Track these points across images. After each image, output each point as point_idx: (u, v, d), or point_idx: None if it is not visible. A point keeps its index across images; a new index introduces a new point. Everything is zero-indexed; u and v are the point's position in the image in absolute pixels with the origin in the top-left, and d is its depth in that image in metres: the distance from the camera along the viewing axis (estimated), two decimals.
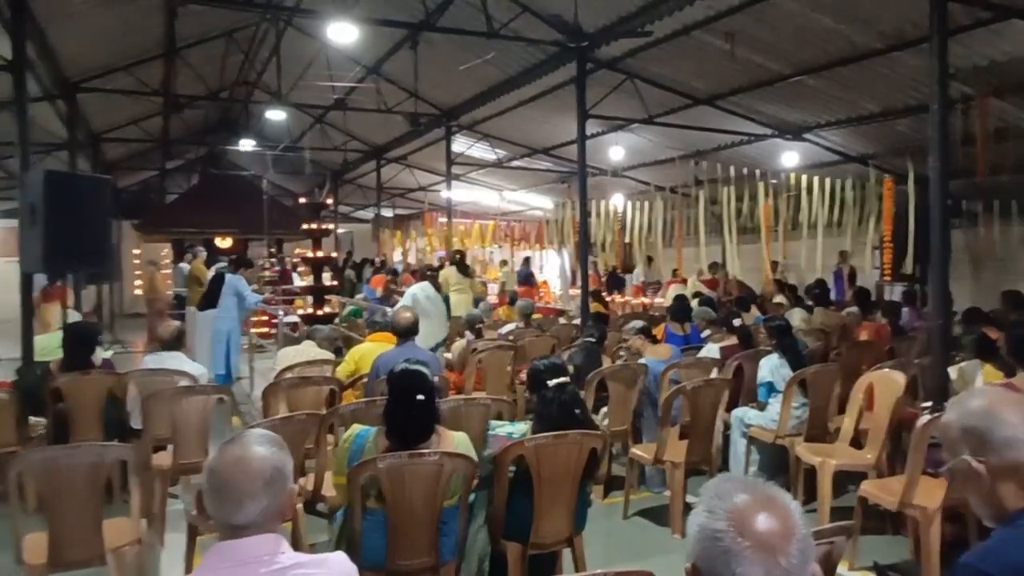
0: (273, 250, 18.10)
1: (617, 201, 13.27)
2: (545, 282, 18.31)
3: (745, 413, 5.28)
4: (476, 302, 10.45)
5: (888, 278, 10.47)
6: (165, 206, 17.99)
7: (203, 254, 12.83)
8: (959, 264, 9.43)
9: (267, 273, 12.77)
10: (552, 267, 19.32)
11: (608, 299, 13.10)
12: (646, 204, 11.85)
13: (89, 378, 4.73)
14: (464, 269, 10.25)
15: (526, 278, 15.07)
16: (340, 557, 1.63)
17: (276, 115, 11.21)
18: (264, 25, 10.56)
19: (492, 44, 8.26)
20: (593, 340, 5.57)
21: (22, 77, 6.21)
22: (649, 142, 11.46)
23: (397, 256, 18.75)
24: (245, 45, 11.52)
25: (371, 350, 5.17)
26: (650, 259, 13.88)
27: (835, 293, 10.80)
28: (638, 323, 6.30)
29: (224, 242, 19.03)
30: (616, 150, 11.12)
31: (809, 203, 9.59)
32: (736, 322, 5.89)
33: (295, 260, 14.35)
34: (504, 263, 18.30)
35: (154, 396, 4.22)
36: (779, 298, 10.33)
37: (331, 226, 8.27)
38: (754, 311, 8.71)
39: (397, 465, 2.70)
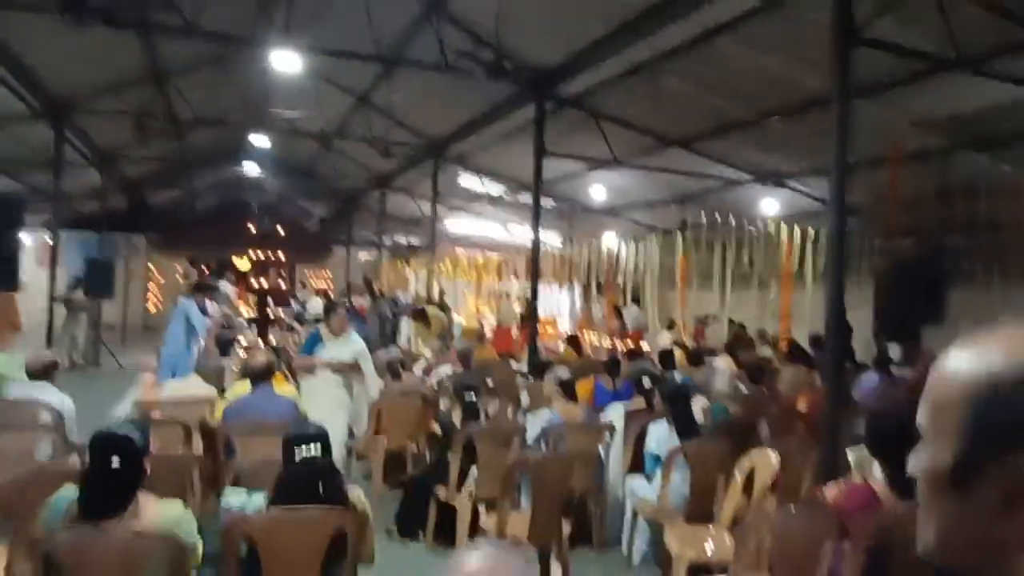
0: (283, 272, 18.36)
1: (610, 241, 12.85)
2: (553, 319, 17.81)
3: (638, 484, 4.84)
4: (444, 338, 10.18)
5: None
6: (176, 224, 18.53)
7: (193, 274, 13.00)
8: (958, 329, 8.68)
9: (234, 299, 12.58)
10: (555, 303, 18.87)
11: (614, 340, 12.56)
12: (638, 246, 11.41)
13: None
14: (423, 319, 9.98)
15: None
16: None
17: (261, 141, 11.29)
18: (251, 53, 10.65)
19: (449, 78, 8.08)
20: (473, 400, 4.94)
21: None
22: (633, 182, 11.08)
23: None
24: (236, 73, 11.66)
25: (240, 391, 4.94)
26: (637, 302, 13.31)
27: None
28: (562, 372, 5.89)
29: (241, 262, 19.42)
30: (597, 189, 10.77)
31: (793, 253, 9.02)
32: (646, 381, 5.43)
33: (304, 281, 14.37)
34: (507, 296, 17.96)
35: None
36: (766, 351, 9.74)
37: (281, 255, 8.12)
38: (718, 363, 8.15)
39: (78, 541, 2.42)
